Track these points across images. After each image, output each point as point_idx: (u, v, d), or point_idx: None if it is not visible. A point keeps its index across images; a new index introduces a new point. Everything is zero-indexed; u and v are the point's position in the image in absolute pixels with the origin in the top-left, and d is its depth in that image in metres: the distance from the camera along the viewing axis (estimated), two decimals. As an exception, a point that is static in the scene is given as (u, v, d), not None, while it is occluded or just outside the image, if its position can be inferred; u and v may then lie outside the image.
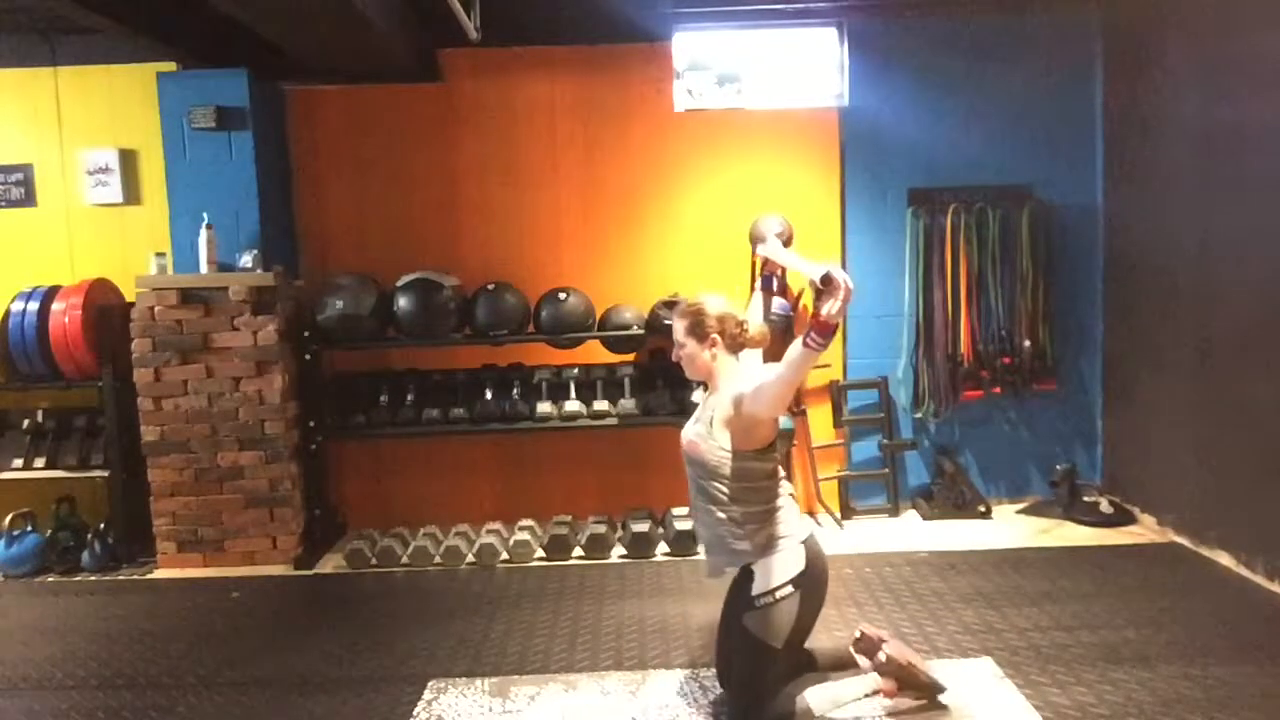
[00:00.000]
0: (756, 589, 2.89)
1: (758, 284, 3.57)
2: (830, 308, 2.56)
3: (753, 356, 3.12)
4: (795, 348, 2.63)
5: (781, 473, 3.03)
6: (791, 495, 3.06)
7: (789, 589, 2.87)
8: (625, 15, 5.24)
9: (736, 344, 3.01)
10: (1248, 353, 4.30)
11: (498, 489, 5.53)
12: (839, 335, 5.58)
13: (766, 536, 2.90)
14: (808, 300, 5.52)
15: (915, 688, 3.12)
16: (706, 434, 2.92)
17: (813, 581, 2.93)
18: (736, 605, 3.00)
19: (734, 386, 2.87)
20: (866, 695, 3.10)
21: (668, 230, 5.54)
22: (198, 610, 4.43)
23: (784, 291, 5.45)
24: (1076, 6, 5.45)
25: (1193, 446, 4.74)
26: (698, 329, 2.98)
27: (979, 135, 5.49)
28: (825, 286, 2.57)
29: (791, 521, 2.96)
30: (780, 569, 2.88)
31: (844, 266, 5.58)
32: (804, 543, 2.94)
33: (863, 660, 3.14)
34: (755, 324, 3.13)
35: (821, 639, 3.71)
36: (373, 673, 3.64)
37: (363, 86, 5.42)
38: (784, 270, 3.60)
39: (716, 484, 2.91)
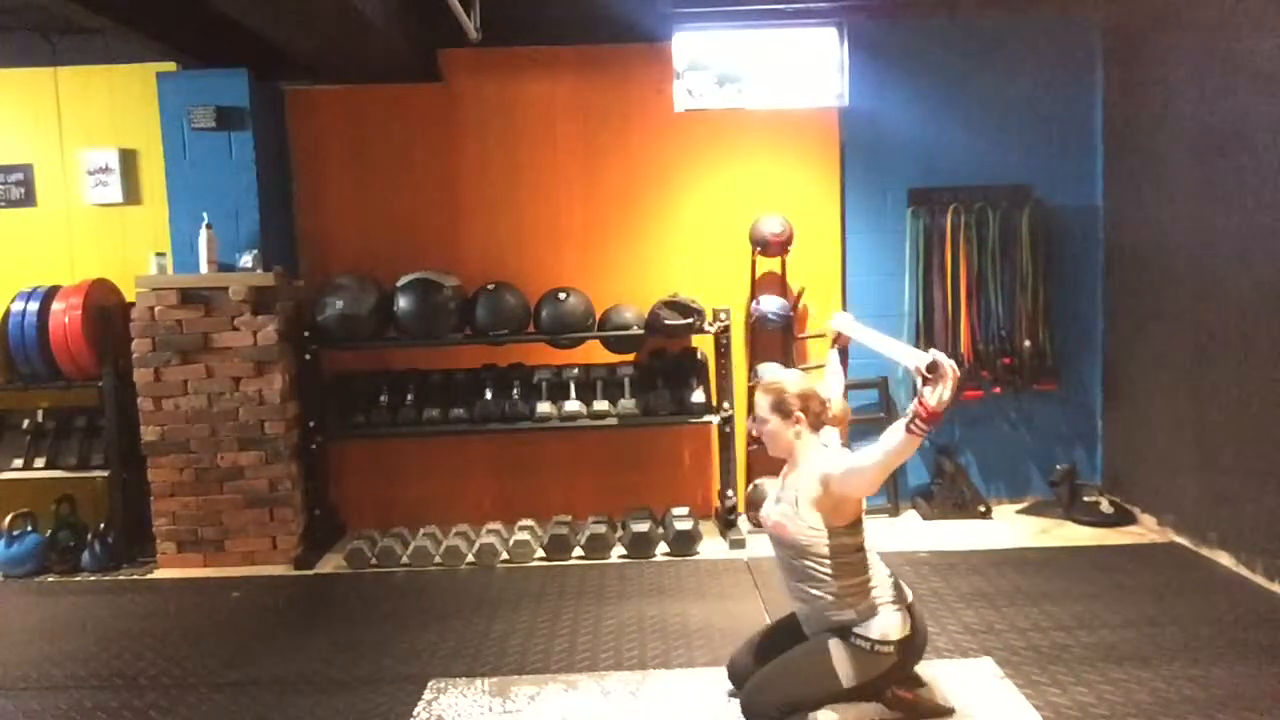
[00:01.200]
0: (861, 630, 2.82)
1: (831, 358, 3.44)
2: (939, 395, 2.48)
3: (832, 434, 3.08)
4: (897, 432, 2.57)
5: (869, 544, 2.97)
6: (880, 558, 2.99)
7: (890, 649, 2.81)
8: (625, 15, 5.24)
9: (819, 422, 2.98)
10: (1248, 353, 4.30)
11: (498, 489, 5.53)
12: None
13: (869, 606, 2.85)
14: (808, 300, 5.53)
15: (923, 716, 3.07)
16: (794, 514, 2.87)
17: (912, 651, 2.87)
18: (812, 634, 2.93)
19: (820, 465, 2.84)
20: None
21: (668, 230, 5.54)
22: (198, 610, 4.43)
23: (784, 292, 5.46)
24: (1076, 6, 5.45)
25: (1193, 446, 4.74)
26: (782, 407, 2.93)
27: (979, 135, 5.49)
28: (932, 374, 2.50)
29: (890, 587, 2.91)
30: (889, 626, 2.81)
31: (844, 266, 5.59)
32: (909, 607, 2.89)
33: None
34: (836, 401, 3.11)
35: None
36: (373, 673, 3.64)
37: (363, 86, 5.42)
38: (848, 342, 3.47)
39: (809, 563, 2.86)
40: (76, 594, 4.73)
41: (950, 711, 3.07)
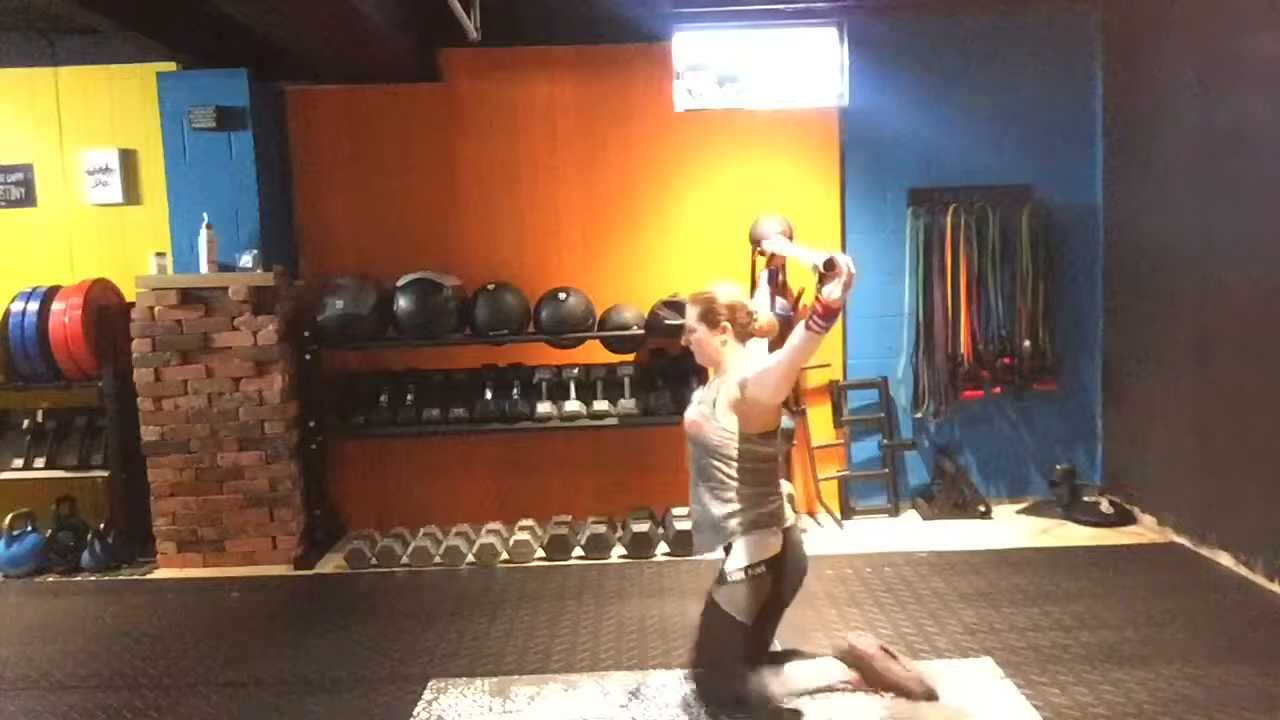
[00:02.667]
0: (731, 565, 2.97)
1: (762, 277, 3.65)
2: (832, 291, 2.65)
3: (759, 347, 3.21)
4: (798, 332, 2.73)
5: (778, 472, 3.09)
6: (791, 496, 3.12)
7: (762, 569, 2.94)
8: (625, 15, 5.24)
9: (745, 333, 3.10)
10: (1248, 352, 4.29)
11: (498, 489, 5.53)
12: (839, 335, 5.59)
13: (753, 518, 2.96)
14: (808, 300, 5.52)
15: (888, 688, 3.08)
16: (710, 415, 3.00)
17: (787, 568, 3.00)
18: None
19: (740, 371, 2.97)
20: (828, 685, 3.09)
21: (668, 230, 5.54)
22: (198, 610, 4.43)
23: (784, 291, 5.46)
24: (1076, 6, 5.45)
25: (1193, 447, 4.74)
26: (709, 316, 3.06)
27: (979, 135, 5.49)
28: (828, 271, 2.66)
29: (777, 510, 3.03)
30: (758, 549, 2.95)
31: (844, 266, 5.58)
32: (785, 531, 3.01)
33: (851, 673, 3.12)
34: (763, 314, 3.26)
35: (820, 640, 3.72)
36: (373, 673, 3.64)
37: (363, 86, 5.42)
38: (784, 264, 3.66)
39: (717, 464, 2.98)
40: (76, 594, 4.74)
41: (935, 697, 3.08)
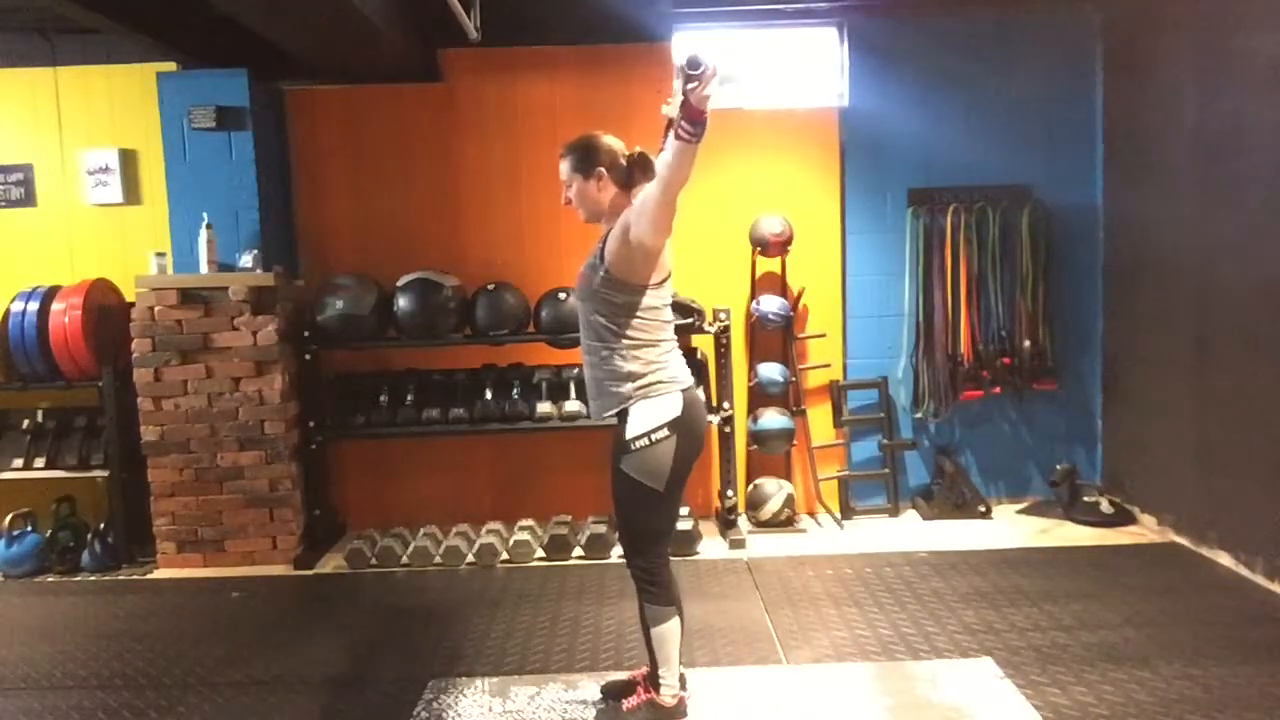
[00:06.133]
0: (631, 432, 2.87)
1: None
2: (700, 91, 2.42)
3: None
4: (669, 148, 2.54)
5: (672, 331, 2.99)
6: (679, 352, 3.01)
7: (664, 432, 2.86)
8: (625, 15, 5.24)
9: (630, 178, 2.93)
10: (1248, 352, 4.30)
11: (498, 489, 5.53)
12: (839, 335, 5.59)
13: (647, 381, 2.88)
14: (808, 300, 5.53)
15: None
16: (596, 265, 2.88)
17: (688, 427, 2.91)
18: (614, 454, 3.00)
19: (624, 215, 2.82)
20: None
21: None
22: (198, 610, 4.43)
23: (784, 292, 5.46)
24: (1076, 6, 5.46)
25: (1193, 446, 4.74)
26: (583, 165, 2.92)
27: (979, 135, 5.49)
28: (693, 70, 2.42)
29: (673, 370, 2.95)
30: (657, 412, 2.87)
31: (844, 266, 5.59)
32: (683, 391, 2.93)
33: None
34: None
35: (820, 641, 3.72)
36: (373, 673, 3.64)
37: (363, 86, 5.42)
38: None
39: (601, 318, 2.88)
40: (76, 594, 4.73)
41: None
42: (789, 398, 5.47)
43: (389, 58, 4.97)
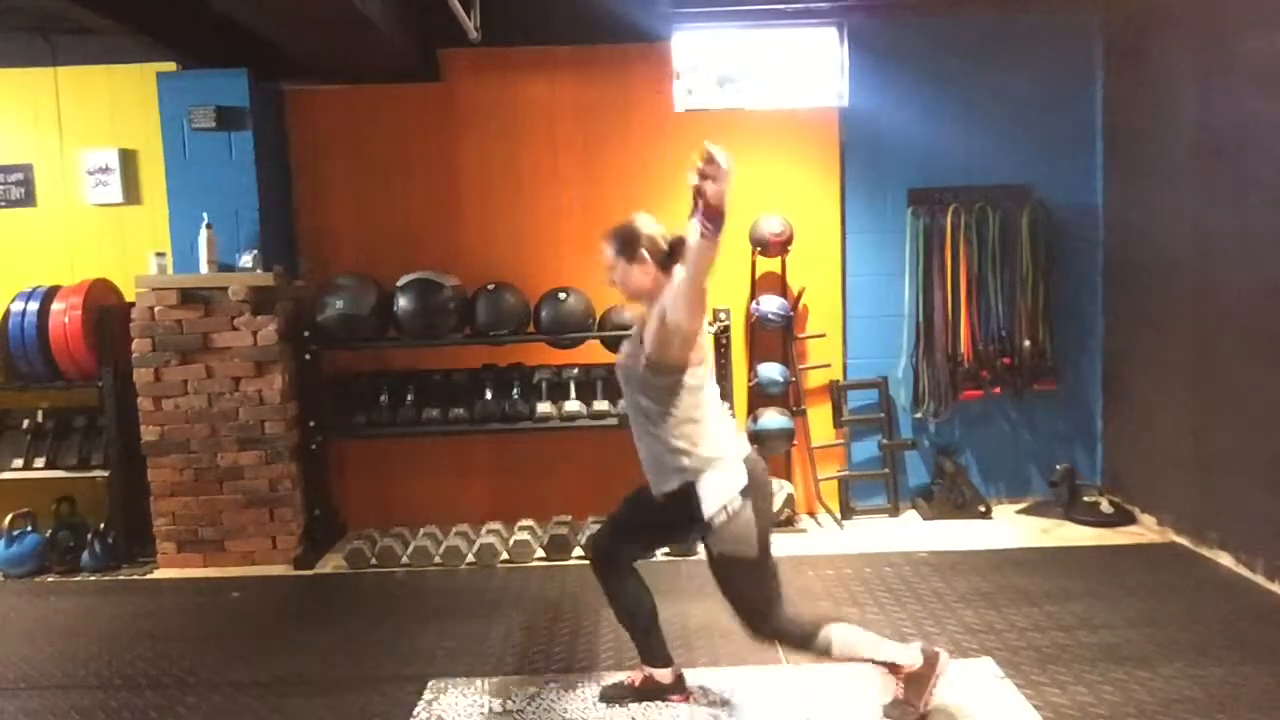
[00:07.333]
0: (708, 511, 2.88)
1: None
2: (717, 188, 2.59)
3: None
4: (693, 245, 2.70)
5: (718, 396, 3.04)
6: (731, 414, 3.08)
7: (738, 500, 2.88)
8: (625, 15, 5.24)
9: (669, 261, 3.02)
10: (1247, 352, 4.30)
11: (498, 489, 5.53)
12: (839, 335, 5.59)
13: (704, 455, 2.91)
14: (808, 300, 5.53)
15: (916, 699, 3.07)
16: (638, 349, 2.96)
17: (758, 488, 2.94)
18: (670, 524, 3.07)
19: (661, 300, 2.90)
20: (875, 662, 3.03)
21: (668, 230, 5.52)
22: (198, 610, 4.44)
23: (784, 292, 5.46)
24: (1076, 6, 5.45)
25: (1193, 446, 4.74)
26: (627, 249, 3.02)
27: (979, 135, 5.49)
28: (708, 165, 2.57)
29: (730, 439, 2.99)
30: (725, 484, 2.89)
31: (844, 266, 5.58)
32: (745, 460, 2.96)
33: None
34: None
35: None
36: (373, 673, 3.64)
37: (363, 86, 5.42)
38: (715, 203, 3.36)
39: (647, 399, 2.94)
40: (76, 594, 4.73)
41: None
42: (789, 398, 5.46)
43: (389, 58, 4.97)
